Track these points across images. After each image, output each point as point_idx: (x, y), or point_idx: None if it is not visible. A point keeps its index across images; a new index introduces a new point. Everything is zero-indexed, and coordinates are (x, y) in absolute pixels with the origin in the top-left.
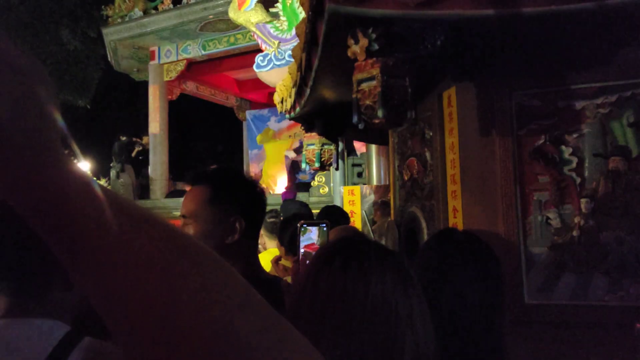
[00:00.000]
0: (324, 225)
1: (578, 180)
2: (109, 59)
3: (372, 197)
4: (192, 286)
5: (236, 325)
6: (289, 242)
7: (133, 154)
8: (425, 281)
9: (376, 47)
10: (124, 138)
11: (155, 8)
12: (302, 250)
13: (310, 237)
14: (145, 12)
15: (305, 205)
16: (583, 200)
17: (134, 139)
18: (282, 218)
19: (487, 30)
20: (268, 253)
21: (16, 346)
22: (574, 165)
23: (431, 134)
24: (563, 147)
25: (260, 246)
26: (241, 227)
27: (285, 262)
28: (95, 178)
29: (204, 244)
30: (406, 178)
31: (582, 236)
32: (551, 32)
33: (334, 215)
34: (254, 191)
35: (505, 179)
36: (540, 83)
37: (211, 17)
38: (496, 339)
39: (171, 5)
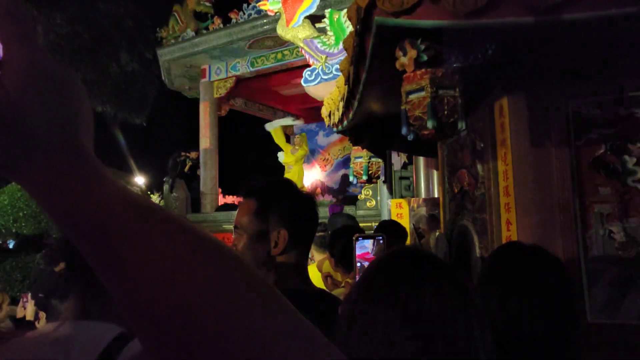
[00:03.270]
0: (380, 237)
1: None
2: (163, 78)
3: (420, 211)
4: (218, 292)
5: (258, 329)
6: (340, 254)
7: (186, 169)
8: (490, 296)
9: (425, 58)
10: (183, 154)
11: (206, 28)
12: (358, 264)
13: (364, 245)
14: (197, 32)
15: (352, 218)
16: None
17: (183, 154)
18: (329, 232)
19: (540, 38)
20: (314, 266)
21: (74, 346)
22: (638, 175)
23: (482, 145)
24: (626, 157)
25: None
26: (284, 239)
27: (335, 275)
28: (149, 192)
29: (251, 254)
30: (456, 191)
31: None
32: (610, 37)
33: (391, 231)
34: (301, 203)
35: (562, 190)
36: (600, 90)
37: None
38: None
39: (221, 25)
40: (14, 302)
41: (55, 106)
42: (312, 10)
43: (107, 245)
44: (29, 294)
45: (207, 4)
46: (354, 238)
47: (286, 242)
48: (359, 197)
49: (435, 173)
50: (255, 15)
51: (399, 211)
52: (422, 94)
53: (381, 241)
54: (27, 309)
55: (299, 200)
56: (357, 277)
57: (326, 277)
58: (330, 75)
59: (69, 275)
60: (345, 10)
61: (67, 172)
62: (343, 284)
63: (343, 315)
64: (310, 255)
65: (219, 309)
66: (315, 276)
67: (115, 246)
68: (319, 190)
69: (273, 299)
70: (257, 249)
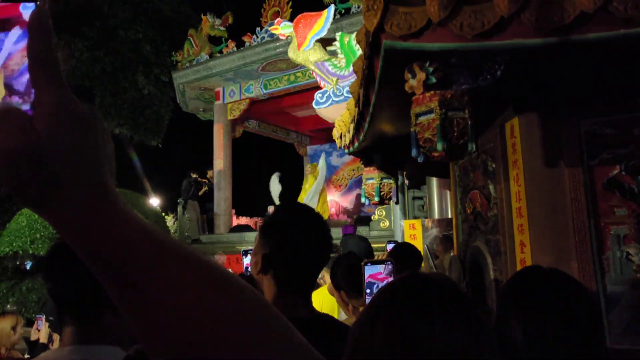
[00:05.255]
0: (389, 262)
1: None
2: (178, 101)
3: (434, 231)
4: (235, 326)
5: None
6: (344, 279)
7: (200, 193)
8: (509, 321)
9: (434, 80)
10: (194, 175)
11: (220, 51)
12: (367, 291)
13: (374, 270)
14: (211, 56)
15: (364, 240)
16: None
17: (200, 179)
18: (340, 253)
19: (550, 58)
20: (325, 288)
21: None
22: None
23: (494, 165)
24: None
25: (320, 280)
26: (261, 262)
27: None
28: (163, 213)
29: (252, 272)
30: (469, 211)
31: None
32: (620, 56)
33: (404, 254)
34: (288, 231)
35: (577, 211)
36: (613, 110)
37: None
38: None
39: (235, 49)
40: (30, 324)
41: (81, 147)
42: (323, 34)
43: (129, 279)
44: (43, 317)
45: (221, 28)
46: (362, 264)
47: (259, 266)
48: (372, 217)
49: (448, 193)
50: (268, 39)
51: (412, 232)
52: (432, 116)
53: (390, 266)
54: (41, 331)
55: (288, 228)
56: (366, 303)
57: (346, 303)
58: (342, 97)
59: (64, 302)
60: (355, 34)
61: (92, 209)
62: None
63: (350, 344)
64: (320, 276)
65: (235, 343)
66: (327, 299)
67: (136, 280)
68: (333, 210)
69: (286, 332)
70: (253, 267)
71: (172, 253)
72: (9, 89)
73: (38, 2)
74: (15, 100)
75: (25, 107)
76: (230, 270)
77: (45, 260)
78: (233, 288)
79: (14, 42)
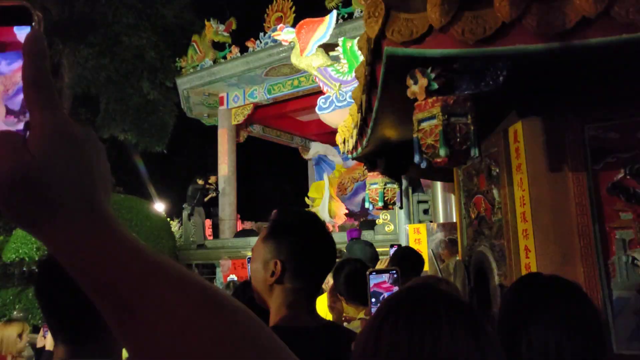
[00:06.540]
0: (394, 271)
1: None
2: (182, 106)
3: (438, 235)
4: (228, 348)
5: None
6: (345, 290)
7: (206, 199)
8: (511, 329)
9: (436, 86)
10: (200, 181)
11: (224, 57)
12: (373, 300)
13: (379, 278)
14: (215, 62)
15: (370, 245)
16: None
17: (207, 185)
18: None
19: (552, 63)
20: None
21: None
22: None
23: (498, 170)
24: None
25: (324, 286)
26: (277, 271)
27: (347, 310)
28: (168, 218)
29: (256, 279)
30: (473, 216)
31: None
32: (623, 60)
33: (408, 258)
34: (306, 237)
35: (581, 216)
36: (617, 114)
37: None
38: None
39: (238, 54)
40: (37, 330)
41: (76, 168)
42: (326, 39)
43: (121, 300)
44: None
45: (225, 33)
46: (367, 273)
47: (278, 273)
48: (377, 221)
49: (453, 197)
50: (272, 44)
51: (417, 236)
52: (434, 122)
53: (395, 275)
54: (47, 338)
55: (306, 234)
56: (372, 313)
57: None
58: (344, 103)
59: (57, 320)
60: (357, 39)
61: (85, 231)
62: (359, 316)
63: (356, 354)
64: (325, 281)
65: None
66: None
67: (128, 301)
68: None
69: (280, 354)
70: (258, 275)
71: (164, 274)
72: (4, 108)
73: (33, 25)
74: (10, 120)
75: (20, 127)
76: (234, 276)
77: (37, 278)
78: (226, 309)
79: (8, 64)
